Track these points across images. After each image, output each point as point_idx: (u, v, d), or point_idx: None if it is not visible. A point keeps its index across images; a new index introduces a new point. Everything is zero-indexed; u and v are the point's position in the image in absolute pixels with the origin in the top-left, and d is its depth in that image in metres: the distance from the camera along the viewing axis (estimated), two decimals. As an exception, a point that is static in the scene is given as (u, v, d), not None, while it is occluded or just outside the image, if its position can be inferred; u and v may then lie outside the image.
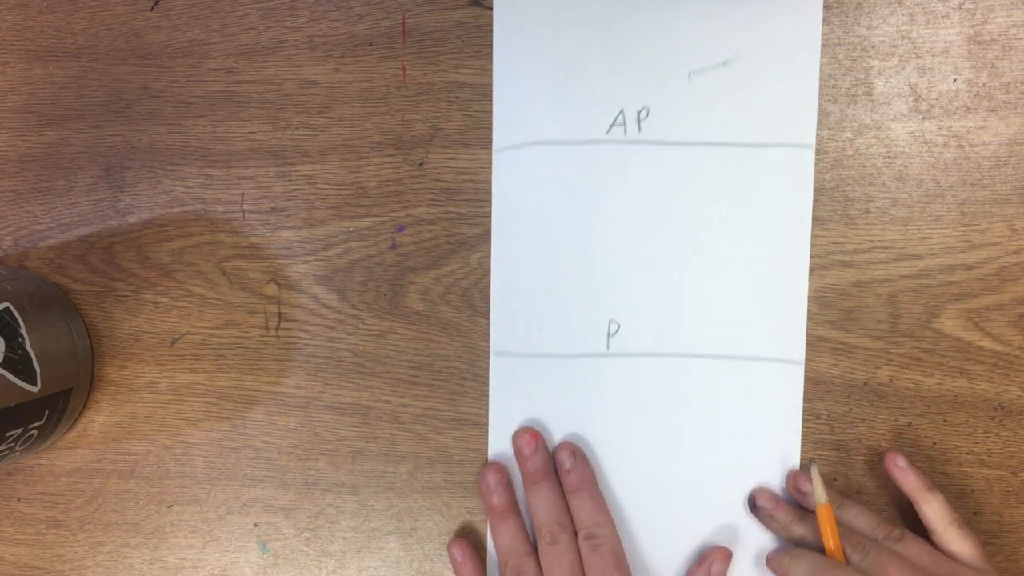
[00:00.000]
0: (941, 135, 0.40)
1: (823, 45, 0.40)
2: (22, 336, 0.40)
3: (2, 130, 0.45)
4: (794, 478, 0.40)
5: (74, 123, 0.45)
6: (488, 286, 0.42)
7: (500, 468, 0.42)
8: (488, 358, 0.43)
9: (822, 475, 0.40)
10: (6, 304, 0.40)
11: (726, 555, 0.40)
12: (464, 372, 0.43)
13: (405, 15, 0.42)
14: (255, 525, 0.45)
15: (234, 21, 0.43)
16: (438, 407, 0.43)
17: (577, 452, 0.41)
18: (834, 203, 0.40)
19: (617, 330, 0.41)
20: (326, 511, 0.44)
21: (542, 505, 0.40)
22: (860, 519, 0.39)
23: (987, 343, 0.40)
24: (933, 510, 0.38)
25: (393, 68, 0.43)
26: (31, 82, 0.45)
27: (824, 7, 0.40)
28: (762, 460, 0.41)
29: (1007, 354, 0.40)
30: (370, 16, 0.42)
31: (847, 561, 0.37)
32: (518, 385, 0.42)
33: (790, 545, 0.40)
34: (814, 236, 0.41)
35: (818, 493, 0.38)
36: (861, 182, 0.40)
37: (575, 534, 0.39)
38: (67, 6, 0.44)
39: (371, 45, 0.43)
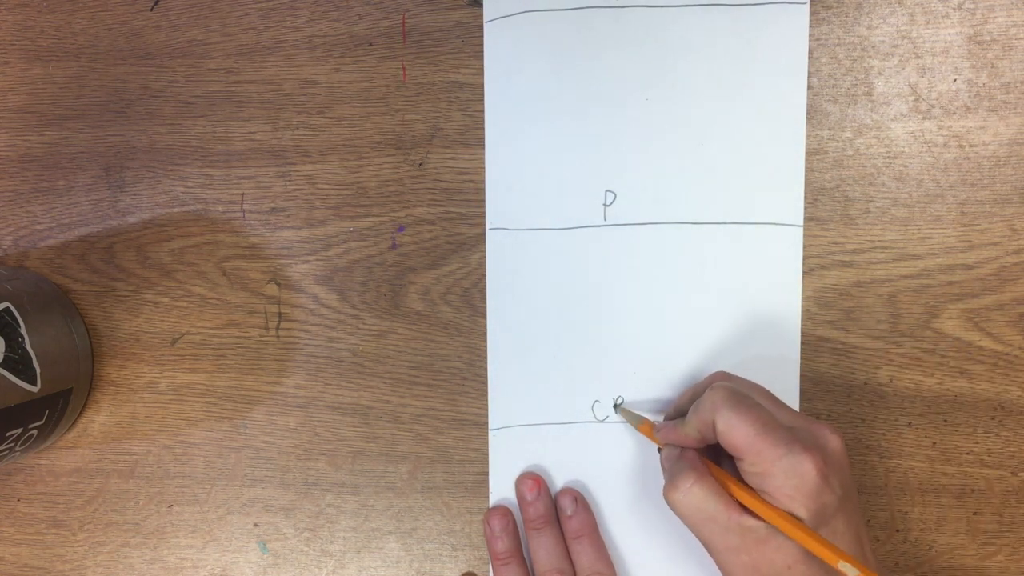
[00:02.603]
0: (941, 135, 0.40)
1: (823, 45, 0.40)
2: (22, 336, 0.40)
3: (2, 130, 0.45)
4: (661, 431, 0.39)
5: (74, 123, 0.45)
6: (486, 287, 0.42)
7: (504, 513, 0.42)
8: (485, 358, 0.43)
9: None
10: (6, 304, 0.40)
11: None
12: (464, 372, 0.43)
13: (405, 15, 0.42)
14: (255, 525, 0.45)
15: (234, 21, 0.43)
16: (438, 407, 0.43)
17: (579, 498, 0.41)
18: (834, 203, 0.40)
19: (613, 200, 0.41)
20: (326, 511, 0.44)
21: (543, 552, 0.40)
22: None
23: (987, 343, 0.40)
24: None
25: (393, 68, 0.43)
26: (31, 82, 0.45)
27: (824, 7, 0.40)
28: (763, 329, 0.41)
29: (1007, 354, 0.40)
30: (370, 16, 0.42)
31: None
32: (515, 259, 0.42)
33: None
34: (814, 236, 0.41)
35: (632, 420, 0.40)
36: (861, 182, 0.40)
37: None
38: (67, 6, 0.44)
39: (371, 45, 0.43)
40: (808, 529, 0.32)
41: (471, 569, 0.44)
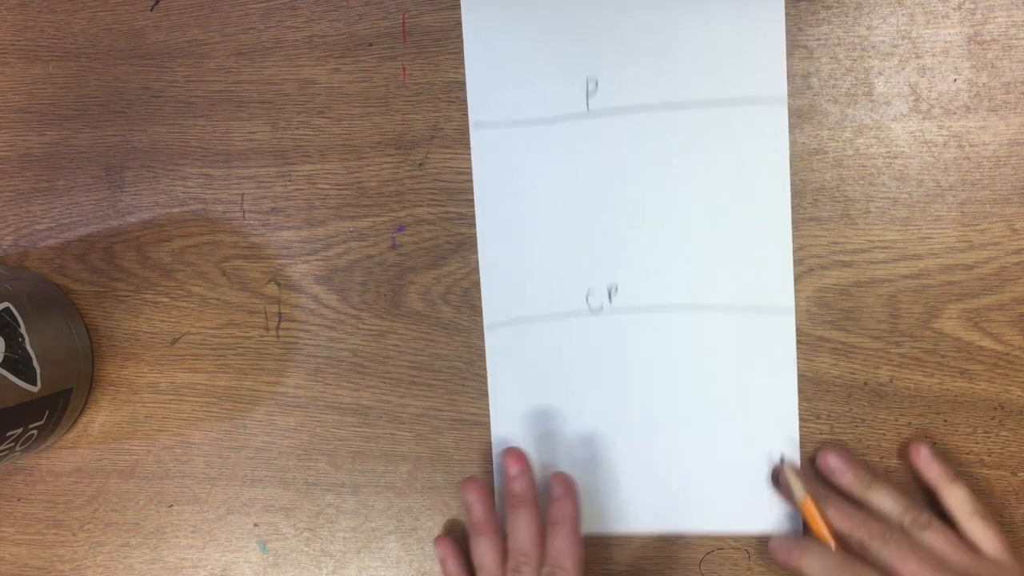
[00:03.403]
0: (941, 135, 0.40)
1: (823, 45, 0.40)
2: (22, 336, 0.40)
3: (2, 130, 0.45)
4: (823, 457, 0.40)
5: (74, 123, 0.45)
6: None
7: (480, 486, 0.41)
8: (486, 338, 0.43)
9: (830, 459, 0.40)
10: (6, 304, 0.40)
11: None
12: (464, 372, 0.43)
13: (405, 15, 0.42)
14: (255, 525, 0.45)
15: (234, 21, 0.43)
16: (438, 407, 0.43)
17: (568, 485, 0.41)
18: (834, 203, 0.40)
19: (596, 88, 0.41)
20: (326, 511, 0.44)
21: (516, 532, 0.40)
22: (888, 502, 0.38)
23: (987, 343, 0.40)
24: (956, 500, 0.38)
25: (393, 68, 0.43)
26: (31, 82, 0.45)
27: (824, 7, 0.40)
28: (753, 249, 0.41)
29: (1007, 354, 0.40)
30: (370, 16, 0.42)
31: (865, 550, 0.37)
32: (501, 155, 0.42)
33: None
34: (814, 236, 0.41)
35: (795, 489, 0.39)
36: (861, 182, 0.40)
37: (541, 566, 0.39)
38: (67, 6, 0.44)
39: (371, 45, 0.43)
40: None
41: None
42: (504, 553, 0.40)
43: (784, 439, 0.41)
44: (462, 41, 0.42)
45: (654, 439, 0.42)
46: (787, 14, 0.40)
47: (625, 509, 0.42)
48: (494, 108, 0.42)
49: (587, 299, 0.42)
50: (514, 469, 0.41)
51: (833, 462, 0.40)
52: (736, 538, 0.42)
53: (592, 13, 0.41)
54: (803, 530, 0.41)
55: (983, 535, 0.37)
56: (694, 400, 0.42)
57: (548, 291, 0.42)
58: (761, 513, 0.42)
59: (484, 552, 0.40)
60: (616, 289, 0.42)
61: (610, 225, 0.42)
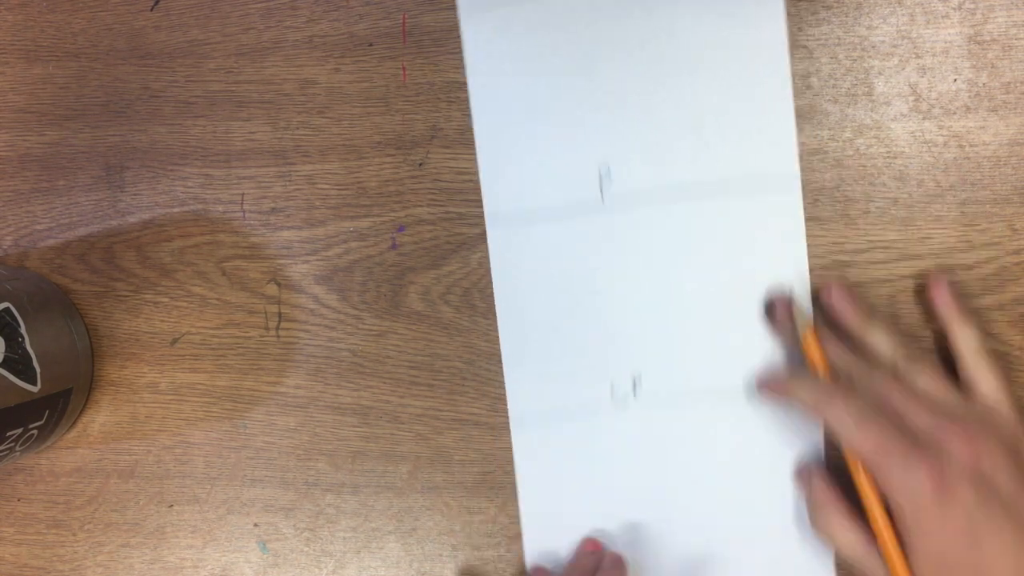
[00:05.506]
0: (941, 135, 0.40)
1: (823, 45, 0.40)
2: (22, 336, 0.40)
3: (2, 130, 0.45)
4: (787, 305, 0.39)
5: (74, 123, 0.45)
6: (489, 284, 0.43)
7: (544, 573, 0.42)
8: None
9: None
10: (6, 304, 0.40)
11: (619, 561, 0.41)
12: (464, 372, 0.43)
13: (405, 15, 0.42)
14: (255, 525, 0.45)
15: (234, 21, 0.43)
16: (438, 407, 0.43)
17: (619, 563, 0.40)
18: (834, 203, 0.40)
19: (608, 172, 0.41)
20: (326, 511, 0.44)
21: None
22: (883, 341, 0.37)
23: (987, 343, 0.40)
24: (963, 339, 0.37)
25: (393, 68, 0.43)
26: (31, 82, 0.45)
27: (824, 7, 0.40)
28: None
29: (1007, 354, 0.40)
30: (370, 16, 0.42)
31: (853, 384, 0.36)
32: (518, 254, 0.42)
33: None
34: (814, 236, 0.41)
35: (799, 320, 0.38)
36: (861, 182, 0.40)
37: None
38: (67, 6, 0.44)
39: (371, 45, 0.43)
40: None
41: (471, 565, 0.44)
42: None
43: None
44: (462, 42, 0.42)
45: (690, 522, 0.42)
46: (787, 14, 0.40)
47: None
48: (508, 201, 0.42)
49: (611, 390, 0.42)
50: (588, 549, 0.41)
51: (837, 299, 0.38)
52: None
53: (601, 100, 0.41)
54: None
55: (983, 377, 0.36)
56: (714, 488, 0.42)
57: (570, 382, 0.42)
58: None
59: None
60: (640, 380, 0.42)
61: (629, 314, 0.42)
